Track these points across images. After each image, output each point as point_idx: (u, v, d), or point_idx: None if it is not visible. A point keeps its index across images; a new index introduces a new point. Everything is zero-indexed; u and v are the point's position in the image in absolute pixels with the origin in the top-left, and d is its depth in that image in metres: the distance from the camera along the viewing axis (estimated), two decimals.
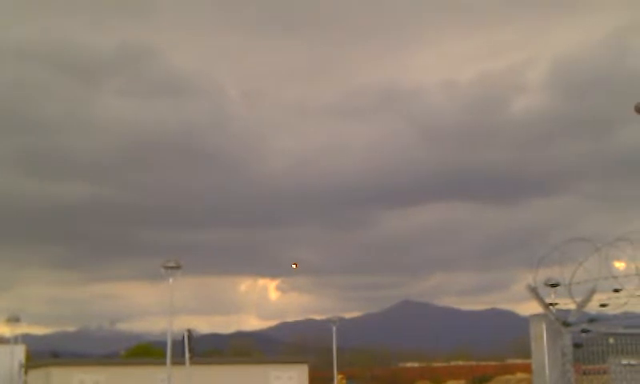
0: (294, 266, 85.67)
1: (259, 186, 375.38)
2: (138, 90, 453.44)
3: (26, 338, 62.48)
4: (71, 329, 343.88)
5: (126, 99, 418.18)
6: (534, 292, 15.03)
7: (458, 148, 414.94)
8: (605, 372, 14.55)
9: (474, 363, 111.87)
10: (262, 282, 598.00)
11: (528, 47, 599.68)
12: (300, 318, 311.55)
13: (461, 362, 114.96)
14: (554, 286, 14.74)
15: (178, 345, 45.53)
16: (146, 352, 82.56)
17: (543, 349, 14.72)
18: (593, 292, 14.67)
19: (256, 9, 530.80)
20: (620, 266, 14.41)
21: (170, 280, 39.36)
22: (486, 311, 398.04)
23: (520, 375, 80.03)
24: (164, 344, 42.27)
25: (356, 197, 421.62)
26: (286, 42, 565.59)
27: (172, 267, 38.98)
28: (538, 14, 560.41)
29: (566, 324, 14.67)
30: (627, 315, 14.78)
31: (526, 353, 16.13)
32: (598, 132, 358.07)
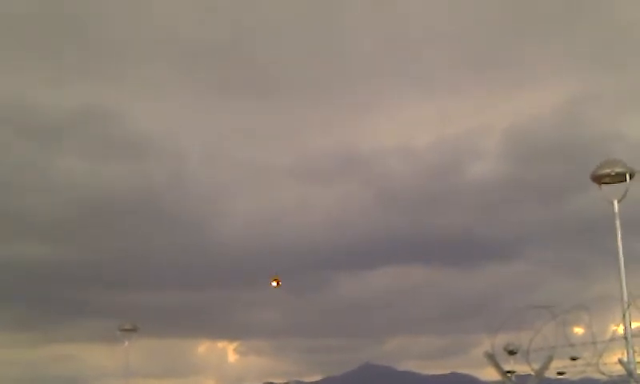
0: (274, 283, 77.62)
1: (218, 246, 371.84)
2: (97, 152, 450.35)
3: None
4: None
5: (85, 160, 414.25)
6: (492, 359, 14.99)
7: (415, 211, 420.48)
8: None
9: None
10: (220, 344, 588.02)
11: (481, 116, 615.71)
12: (259, 381, 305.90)
13: None
14: (511, 353, 14.75)
15: None
16: None
17: None
18: (550, 359, 14.68)
19: (216, 72, 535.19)
20: (578, 331, 14.50)
21: (126, 342, 38.88)
22: (447, 376, 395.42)
23: None
24: None
25: (314, 259, 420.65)
26: (246, 105, 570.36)
27: (128, 330, 38.58)
28: (488, 86, 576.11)
29: None
30: (585, 383, 14.82)
31: None
32: (551, 199, 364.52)
